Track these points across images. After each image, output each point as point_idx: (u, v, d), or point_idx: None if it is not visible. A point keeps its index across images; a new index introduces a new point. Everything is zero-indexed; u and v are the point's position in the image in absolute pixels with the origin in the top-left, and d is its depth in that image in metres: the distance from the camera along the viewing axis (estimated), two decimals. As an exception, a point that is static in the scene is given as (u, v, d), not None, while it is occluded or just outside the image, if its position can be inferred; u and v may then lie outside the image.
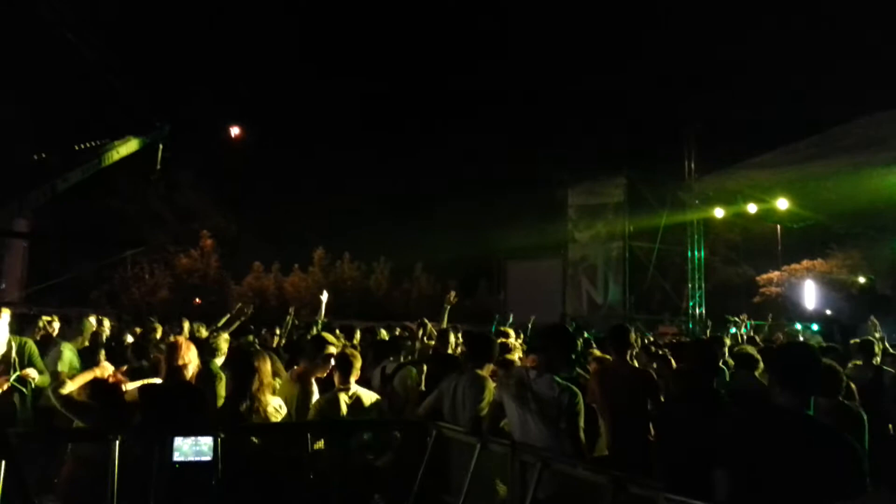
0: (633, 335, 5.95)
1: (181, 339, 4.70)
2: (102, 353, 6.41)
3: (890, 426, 5.65)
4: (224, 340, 5.53)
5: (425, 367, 5.97)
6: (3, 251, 21.97)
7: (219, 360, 5.25)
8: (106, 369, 4.17)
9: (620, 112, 48.19)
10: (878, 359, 6.96)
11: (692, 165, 20.20)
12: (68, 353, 6.22)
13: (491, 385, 4.49)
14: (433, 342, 7.37)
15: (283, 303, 32.88)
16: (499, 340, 5.50)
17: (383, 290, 40.85)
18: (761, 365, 5.61)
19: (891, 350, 7.54)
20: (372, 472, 4.50)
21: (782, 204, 17.84)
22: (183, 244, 38.23)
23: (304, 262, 40.48)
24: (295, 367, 5.24)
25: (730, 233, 30.84)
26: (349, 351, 4.84)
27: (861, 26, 33.79)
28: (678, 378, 4.76)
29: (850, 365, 6.57)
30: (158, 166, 15.06)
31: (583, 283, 24.96)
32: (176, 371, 4.13)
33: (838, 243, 28.08)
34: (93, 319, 7.95)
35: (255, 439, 4.07)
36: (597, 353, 6.19)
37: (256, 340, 8.26)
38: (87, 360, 6.12)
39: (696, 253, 21.30)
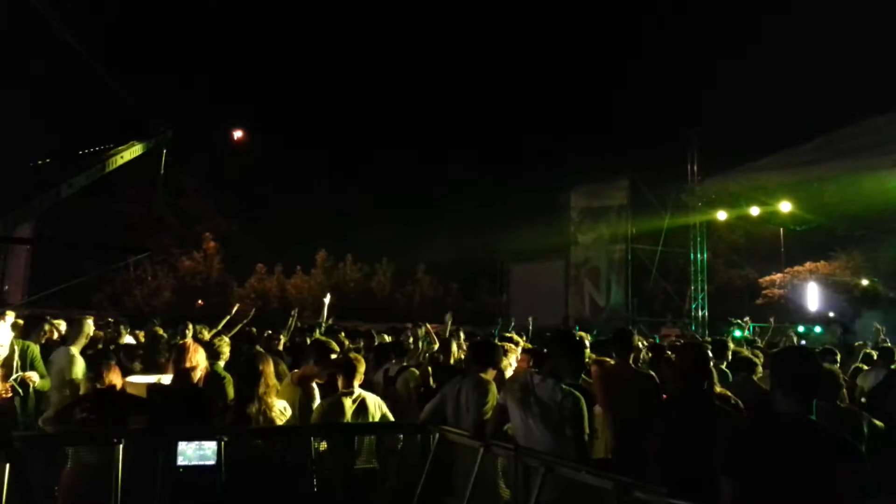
0: (636, 338, 5.92)
1: (189, 341, 4.69)
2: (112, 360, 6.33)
3: None
4: (226, 343, 5.54)
5: (430, 370, 5.97)
6: (5, 254, 22.01)
7: (221, 363, 5.26)
8: (113, 375, 4.17)
9: (623, 114, 48.16)
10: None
11: (695, 168, 20.15)
12: (80, 360, 5.96)
13: (494, 389, 4.48)
14: (435, 345, 7.37)
15: (286, 305, 32.93)
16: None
17: (386, 291, 40.85)
18: (760, 369, 5.60)
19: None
20: (375, 475, 4.50)
21: (785, 207, 17.77)
22: (186, 247, 38.32)
23: (307, 264, 40.54)
24: (296, 371, 5.24)
25: (732, 235, 30.84)
26: (353, 355, 4.84)
27: (864, 29, 33.77)
28: (673, 379, 4.75)
29: (862, 368, 6.54)
30: (162, 170, 15.11)
31: (585, 285, 24.95)
32: (184, 373, 4.13)
33: (841, 246, 28.01)
34: (91, 322, 7.92)
35: (259, 442, 4.08)
36: (593, 356, 6.14)
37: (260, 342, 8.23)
38: (88, 361, 6.04)
39: (698, 255, 21.25)
